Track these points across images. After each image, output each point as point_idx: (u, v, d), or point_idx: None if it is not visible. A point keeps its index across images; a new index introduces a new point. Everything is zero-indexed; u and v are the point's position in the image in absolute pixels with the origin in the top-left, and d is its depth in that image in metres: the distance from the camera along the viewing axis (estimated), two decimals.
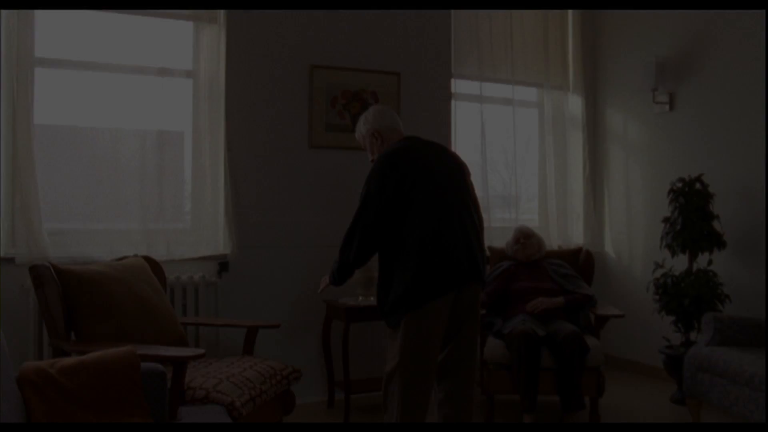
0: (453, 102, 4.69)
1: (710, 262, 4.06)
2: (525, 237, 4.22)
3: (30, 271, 2.92)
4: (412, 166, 2.79)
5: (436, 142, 3.04)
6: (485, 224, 4.65)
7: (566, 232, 5.05)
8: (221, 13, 3.98)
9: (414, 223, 2.72)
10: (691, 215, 4.03)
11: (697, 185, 4.10)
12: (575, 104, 5.13)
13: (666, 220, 4.21)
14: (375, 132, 3.01)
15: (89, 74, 3.80)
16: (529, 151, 5.12)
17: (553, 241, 4.90)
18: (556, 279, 4.07)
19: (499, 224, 4.79)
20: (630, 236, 5.00)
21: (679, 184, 4.15)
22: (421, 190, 2.75)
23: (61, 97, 3.76)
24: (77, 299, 2.92)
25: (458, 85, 4.72)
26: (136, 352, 2.28)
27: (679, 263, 4.18)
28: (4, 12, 3.41)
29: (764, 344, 3.50)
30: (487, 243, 4.49)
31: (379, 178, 2.77)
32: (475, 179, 4.85)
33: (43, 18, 3.62)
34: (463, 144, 4.75)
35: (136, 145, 3.84)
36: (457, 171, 2.96)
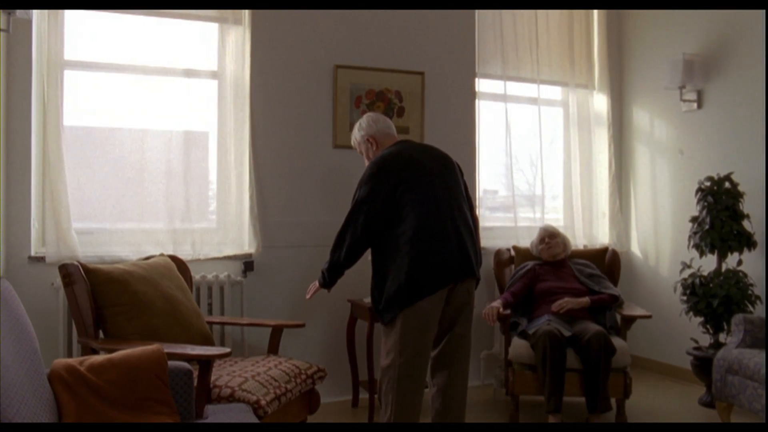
0: (477, 101, 4.67)
1: (740, 263, 4.00)
2: (550, 236, 4.19)
3: (59, 269, 2.97)
4: (403, 168, 2.90)
5: (427, 144, 3.17)
6: (512, 224, 4.71)
7: (592, 231, 5.00)
8: (246, 14, 4.01)
9: (406, 223, 2.82)
10: (720, 214, 3.97)
11: (727, 184, 4.03)
12: (600, 102, 5.07)
13: (694, 219, 4.15)
14: (369, 137, 3.18)
15: (116, 76, 3.85)
16: (553, 150, 5.08)
17: (578, 240, 4.86)
18: (582, 279, 4.03)
19: (524, 224, 4.77)
20: (657, 236, 4.94)
21: (708, 183, 4.08)
22: (413, 191, 2.85)
23: (89, 99, 3.81)
24: (105, 298, 2.96)
25: (482, 85, 4.70)
26: (163, 350, 2.30)
27: (707, 263, 4.11)
28: (35, 16, 3.47)
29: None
30: (512, 242, 4.52)
31: (369, 182, 2.90)
32: (500, 178, 4.88)
33: (72, 21, 3.68)
34: (488, 143, 4.73)
35: (162, 146, 3.89)
36: (450, 171, 3.04)
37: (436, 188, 2.91)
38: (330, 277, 3.06)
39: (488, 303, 4.00)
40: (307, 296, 3.24)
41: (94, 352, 2.80)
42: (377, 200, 2.86)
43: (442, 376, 2.99)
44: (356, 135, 3.26)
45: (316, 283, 3.15)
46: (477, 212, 4.52)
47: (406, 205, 2.83)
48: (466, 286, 2.96)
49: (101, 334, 2.98)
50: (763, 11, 4.11)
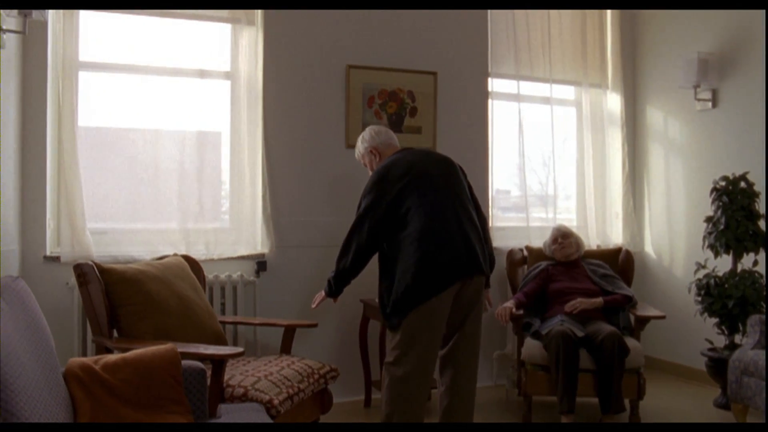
0: (490, 101, 4.65)
1: (755, 263, 3.96)
2: (563, 237, 4.17)
3: (74, 269, 3.00)
4: (405, 174, 2.94)
5: (429, 149, 3.25)
6: (524, 224, 4.69)
7: (605, 231, 4.98)
8: (259, 15, 4.03)
9: (411, 226, 2.85)
10: (735, 214, 3.93)
11: (742, 183, 3.99)
12: (614, 102, 5.04)
13: (708, 219, 4.11)
14: (372, 149, 3.27)
15: (130, 77, 3.88)
16: (566, 150, 5.05)
17: (591, 240, 4.83)
18: (595, 279, 4.01)
19: (536, 224, 4.75)
20: (671, 236, 4.90)
21: (723, 183, 4.05)
22: (416, 195, 2.89)
23: (103, 100, 3.84)
24: (119, 297, 2.98)
25: (495, 84, 4.68)
26: (176, 349, 2.32)
27: (722, 264, 4.08)
28: (50, 17, 3.50)
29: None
30: (525, 243, 4.51)
31: (372, 191, 2.95)
32: (513, 178, 4.87)
33: (87, 23, 3.71)
34: (501, 143, 4.71)
35: (175, 146, 3.90)
36: (453, 173, 3.08)
37: (438, 190, 2.94)
38: (336, 286, 3.10)
39: (501, 303, 3.99)
40: (313, 305, 3.27)
41: (109, 351, 2.82)
42: (381, 207, 2.90)
43: (451, 375, 3.01)
44: (360, 147, 3.36)
45: (323, 293, 3.19)
46: (489, 212, 4.54)
47: (410, 209, 2.87)
48: (474, 283, 2.97)
49: (115, 333, 3.00)
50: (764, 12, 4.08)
